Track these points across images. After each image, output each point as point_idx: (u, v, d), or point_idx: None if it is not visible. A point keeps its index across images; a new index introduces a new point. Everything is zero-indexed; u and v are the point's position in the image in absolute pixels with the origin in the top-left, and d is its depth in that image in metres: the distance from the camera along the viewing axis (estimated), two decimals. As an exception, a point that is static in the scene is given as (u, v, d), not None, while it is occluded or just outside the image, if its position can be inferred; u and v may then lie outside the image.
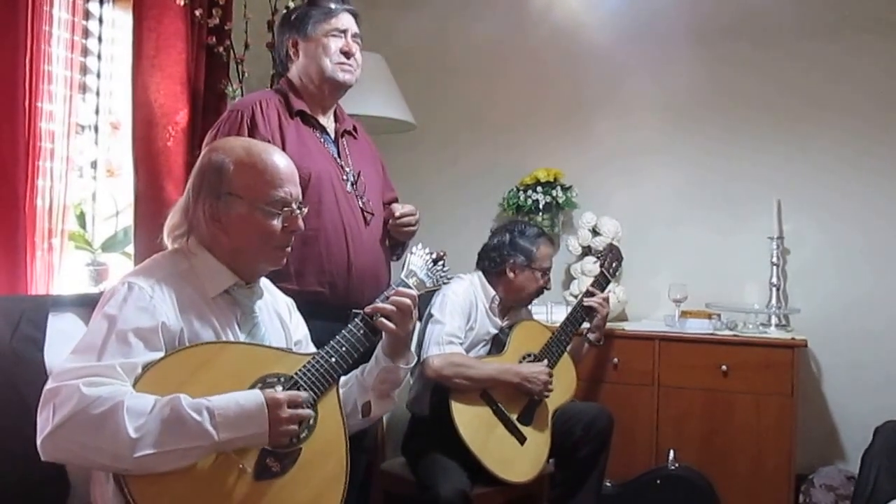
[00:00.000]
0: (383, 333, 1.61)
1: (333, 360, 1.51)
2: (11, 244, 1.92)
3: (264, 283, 1.63)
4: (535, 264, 2.48)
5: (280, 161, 1.53)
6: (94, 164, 2.46)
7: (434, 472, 2.16)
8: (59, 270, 2.12)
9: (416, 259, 1.73)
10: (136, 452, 1.21)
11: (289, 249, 1.56)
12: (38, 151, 2.03)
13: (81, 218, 2.38)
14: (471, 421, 2.24)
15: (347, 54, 2.04)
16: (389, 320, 1.58)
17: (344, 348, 1.54)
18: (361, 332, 1.57)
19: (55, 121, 2.12)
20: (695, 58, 3.36)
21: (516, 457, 2.28)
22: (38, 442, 1.24)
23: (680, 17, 3.37)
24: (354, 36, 2.08)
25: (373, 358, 1.66)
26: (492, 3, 3.64)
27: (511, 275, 2.48)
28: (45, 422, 1.23)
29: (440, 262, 1.77)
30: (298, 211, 1.54)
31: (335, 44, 2.03)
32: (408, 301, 1.60)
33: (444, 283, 1.78)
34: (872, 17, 3.13)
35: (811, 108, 3.20)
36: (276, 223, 1.50)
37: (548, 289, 2.56)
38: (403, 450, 2.46)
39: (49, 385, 1.26)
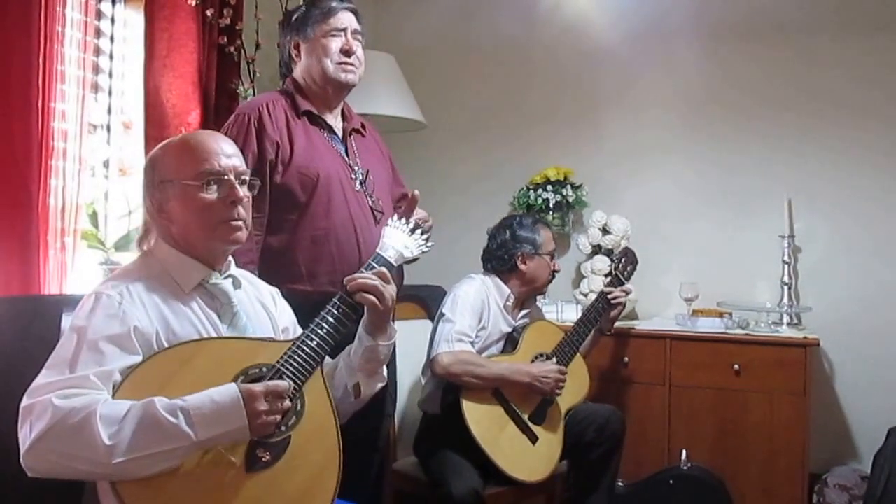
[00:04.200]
0: (365, 310, 1.57)
1: (314, 343, 1.48)
2: (24, 243, 1.93)
3: (243, 274, 1.60)
4: (541, 249, 2.50)
5: (208, 138, 1.49)
6: (106, 164, 2.46)
7: (446, 470, 2.15)
8: (72, 270, 2.13)
9: (391, 231, 1.68)
10: (113, 459, 1.20)
11: (239, 223, 1.48)
12: (51, 151, 2.04)
13: (94, 217, 2.38)
14: (482, 419, 2.24)
15: (348, 53, 2.02)
16: (368, 294, 1.55)
17: (324, 330, 1.50)
18: (340, 310, 1.53)
19: (68, 120, 2.13)
20: (705, 56, 3.35)
21: (528, 456, 2.28)
22: (21, 459, 1.22)
23: (690, 15, 3.36)
24: (355, 33, 2.06)
25: (356, 338, 1.62)
26: (502, 2, 3.64)
27: (523, 266, 2.49)
28: (24, 438, 1.22)
29: (417, 231, 1.71)
30: (240, 183, 1.47)
31: (335, 44, 2.01)
32: (384, 271, 1.57)
33: (425, 251, 1.72)
34: (886, 15, 3.11)
35: (822, 105, 3.19)
36: (209, 195, 1.44)
37: (557, 271, 2.57)
38: (415, 449, 2.46)
39: (24, 402, 1.25)
